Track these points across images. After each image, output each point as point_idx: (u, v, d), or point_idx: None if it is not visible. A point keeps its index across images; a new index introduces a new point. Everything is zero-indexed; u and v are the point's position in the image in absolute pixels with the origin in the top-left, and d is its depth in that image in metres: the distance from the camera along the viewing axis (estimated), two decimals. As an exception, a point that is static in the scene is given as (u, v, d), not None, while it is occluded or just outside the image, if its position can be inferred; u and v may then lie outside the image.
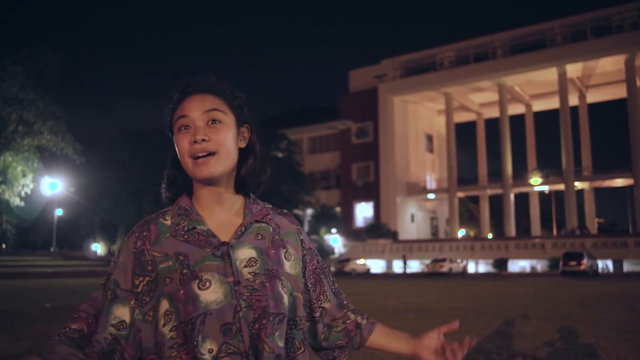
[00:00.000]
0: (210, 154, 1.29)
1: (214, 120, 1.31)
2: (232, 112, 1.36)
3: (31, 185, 24.86)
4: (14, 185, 24.04)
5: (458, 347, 1.34)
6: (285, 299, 1.30)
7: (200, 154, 1.28)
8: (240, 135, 1.38)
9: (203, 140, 1.28)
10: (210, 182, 1.32)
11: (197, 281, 1.24)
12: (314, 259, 1.48)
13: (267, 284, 1.29)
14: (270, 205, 1.48)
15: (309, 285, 1.45)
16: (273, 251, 1.36)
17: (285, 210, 1.51)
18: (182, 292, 1.23)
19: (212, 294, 1.24)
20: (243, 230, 1.34)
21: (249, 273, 1.28)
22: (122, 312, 1.26)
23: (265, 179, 1.45)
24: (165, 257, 1.27)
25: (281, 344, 1.29)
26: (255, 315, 1.25)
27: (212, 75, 1.41)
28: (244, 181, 1.41)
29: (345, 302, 1.52)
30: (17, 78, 24.04)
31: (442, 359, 1.36)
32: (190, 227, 1.31)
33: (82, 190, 44.43)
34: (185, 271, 1.25)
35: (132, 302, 1.26)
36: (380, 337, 1.45)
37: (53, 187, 34.91)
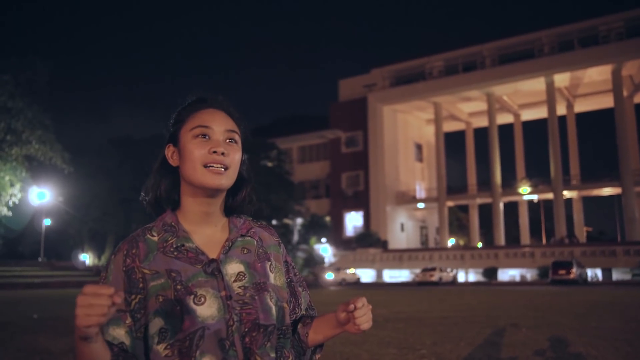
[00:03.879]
0: (224, 167, 1.32)
1: (231, 139, 1.37)
2: (240, 140, 1.41)
3: (19, 195, 24.70)
4: (2, 195, 23.89)
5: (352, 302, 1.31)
6: (274, 310, 1.34)
7: (215, 165, 1.31)
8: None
9: (222, 154, 1.32)
10: (211, 193, 1.34)
11: (192, 297, 1.26)
12: (290, 272, 1.51)
13: (256, 297, 1.32)
14: (250, 218, 1.51)
15: None
16: (259, 264, 1.39)
17: (264, 223, 1.54)
18: (178, 308, 1.24)
19: (207, 309, 1.26)
20: (230, 245, 1.37)
21: (239, 287, 1.31)
22: (119, 333, 1.25)
23: (253, 207, 1.49)
24: (157, 275, 1.28)
25: (272, 354, 1.31)
26: (246, 329, 1.28)
27: (203, 84, 1.44)
28: (236, 207, 1.45)
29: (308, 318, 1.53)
30: (6, 87, 23.93)
31: (348, 317, 1.33)
32: (179, 244, 1.32)
33: (70, 199, 44.09)
34: (179, 287, 1.26)
35: (127, 321, 1.26)
36: (315, 334, 1.46)
37: (41, 196, 34.73)
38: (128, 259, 1.30)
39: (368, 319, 1.32)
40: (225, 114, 1.39)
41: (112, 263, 1.31)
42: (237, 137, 1.38)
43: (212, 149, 1.31)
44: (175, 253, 1.31)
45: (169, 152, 1.39)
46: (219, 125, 1.35)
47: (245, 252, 1.38)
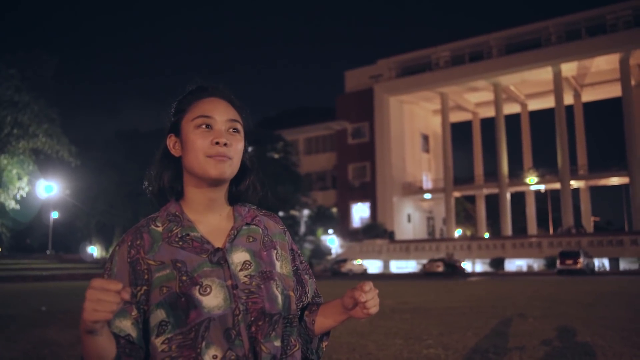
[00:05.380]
0: (227, 157, 1.31)
1: (234, 129, 1.36)
2: (243, 128, 1.40)
3: (26, 188, 24.79)
4: (10, 189, 23.98)
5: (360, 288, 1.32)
6: (280, 299, 1.33)
7: (218, 155, 1.30)
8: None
9: (225, 144, 1.31)
10: (216, 183, 1.34)
11: (197, 287, 1.25)
12: (296, 259, 1.50)
13: (262, 286, 1.31)
14: (255, 207, 1.50)
15: None
16: (265, 253, 1.38)
17: (269, 211, 1.54)
18: (183, 299, 1.23)
19: (213, 299, 1.25)
20: (235, 233, 1.36)
21: (245, 276, 1.31)
22: (125, 325, 1.24)
23: (259, 196, 1.49)
24: (162, 266, 1.27)
25: (277, 343, 1.31)
26: (252, 318, 1.27)
27: (210, 76, 1.43)
28: (240, 194, 1.44)
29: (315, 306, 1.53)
30: (12, 81, 23.97)
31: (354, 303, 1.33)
32: (184, 234, 1.31)
33: (77, 192, 44.28)
34: (184, 278, 1.25)
35: (134, 313, 1.25)
36: (322, 321, 1.46)
37: (48, 189, 34.87)
38: (132, 250, 1.29)
39: (375, 303, 1.33)
40: (226, 102, 1.38)
41: (117, 254, 1.30)
42: (239, 127, 1.37)
43: (215, 139, 1.30)
44: (180, 243, 1.30)
45: (171, 142, 1.39)
46: (221, 115, 1.34)
47: (250, 240, 1.38)
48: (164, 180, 1.40)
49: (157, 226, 1.34)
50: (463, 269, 39.32)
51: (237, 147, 1.34)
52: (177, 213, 1.35)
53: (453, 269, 38.13)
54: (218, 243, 1.33)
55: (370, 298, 1.31)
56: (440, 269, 39.97)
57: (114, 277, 1.27)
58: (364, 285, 1.30)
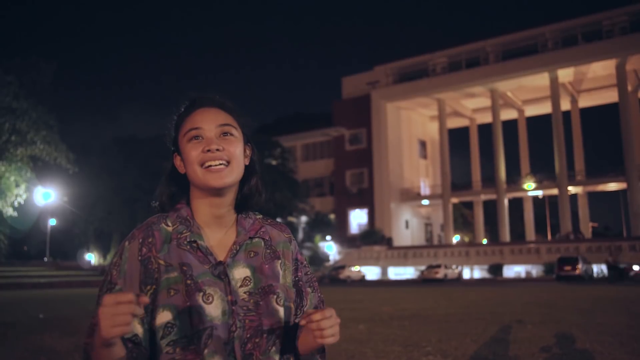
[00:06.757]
0: (223, 163, 1.30)
1: (226, 133, 1.34)
2: (239, 129, 1.39)
3: (24, 196, 24.71)
4: (7, 196, 23.91)
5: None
6: (281, 312, 1.32)
7: (213, 163, 1.29)
8: (244, 152, 1.40)
9: (217, 150, 1.30)
10: (219, 192, 1.33)
11: (201, 294, 1.25)
12: (300, 270, 1.48)
13: (261, 303, 1.31)
14: (261, 216, 1.49)
15: None
16: (267, 266, 1.37)
17: (275, 220, 1.52)
18: (188, 303, 1.24)
19: (215, 309, 1.25)
20: (237, 248, 1.35)
21: (244, 293, 1.30)
22: (133, 325, 1.23)
23: (264, 199, 1.46)
24: (170, 268, 1.27)
25: (277, 357, 1.31)
26: (248, 335, 1.27)
27: (207, 82, 1.43)
28: (246, 200, 1.42)
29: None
30: (10, 87, 23.93)
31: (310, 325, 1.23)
32: (192, 240, 1.31)
33: (75, 199, 44.20)
34: (189, 282, 1.26)
35: (140, 313, 1.25)
36: (304, 339, 1.36)
37: (46, 196, 34.79)
38: (144, 248, 1.29)
39: (333, 333, 1.22)
40: (217, 109, 1.37)
41: (127, 251, 1.29)
42: (233, 130, 1.36)
43: (206, 148, 1.30)
44: (188, 247, 1.31)
45: (177, 161, 1.39)
46: (210, 122, 1.34)
47: (252, 255, 1.37)
48: (165, 198, 1.40)
49: (168, 225, 1.34)
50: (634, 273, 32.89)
51: (233, 151, 1.33)
52: (187, 217, 1.35)
53: (620, 274, 31.89)
54: (220, 256, 1.33)
55: (327, 326, 1.21)
56: (439, 275, 39.83)
57: (124, 274, 1.27)
58: (316, 314, 1.21)
